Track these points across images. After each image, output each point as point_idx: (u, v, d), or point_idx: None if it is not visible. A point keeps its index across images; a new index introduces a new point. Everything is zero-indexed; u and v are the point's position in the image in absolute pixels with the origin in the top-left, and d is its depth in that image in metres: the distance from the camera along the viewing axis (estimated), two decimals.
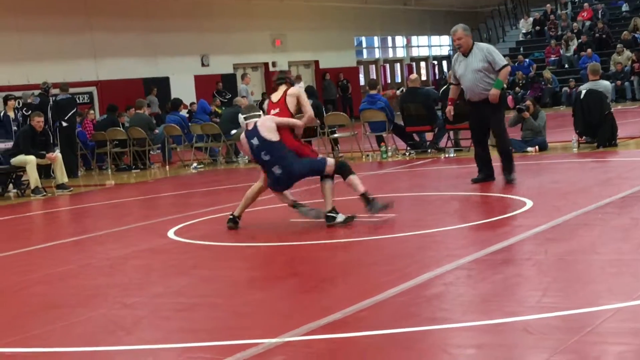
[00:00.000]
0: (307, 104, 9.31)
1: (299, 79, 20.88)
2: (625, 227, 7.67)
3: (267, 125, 8.93)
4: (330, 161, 8.98)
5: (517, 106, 14.53)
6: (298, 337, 5.00)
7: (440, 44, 40.95)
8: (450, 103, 11.13)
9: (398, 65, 38.66)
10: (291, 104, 9.20)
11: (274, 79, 9.66)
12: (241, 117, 9.25)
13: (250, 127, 9.04)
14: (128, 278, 7.30)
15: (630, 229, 7.61)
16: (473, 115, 10.97)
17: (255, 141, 8.94)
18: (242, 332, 5.24)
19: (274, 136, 8.87)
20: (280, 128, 8.98)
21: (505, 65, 10.71)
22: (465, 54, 10.72)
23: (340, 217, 8.80)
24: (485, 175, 10.93)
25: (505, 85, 11.13)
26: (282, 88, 9.38)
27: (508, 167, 10.83)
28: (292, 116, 9.18)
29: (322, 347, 4.90)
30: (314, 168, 9.00)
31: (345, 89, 32.62)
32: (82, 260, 8.26)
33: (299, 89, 9.45)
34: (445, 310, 5.47)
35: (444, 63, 40.05)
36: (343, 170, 9.00)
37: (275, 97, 9.35)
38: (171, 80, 26.96)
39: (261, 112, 9.25)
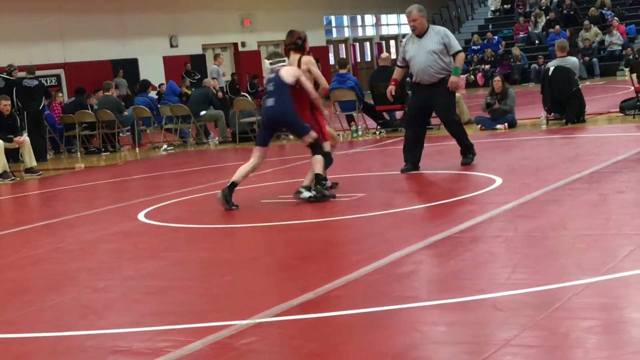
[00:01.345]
0: (320, 75, 9.39)
1: None
2: (594, 203, 7.74)
3: (290, 72, 9.04)
4: (314, 135, 9.01)
5: (487, 101, 14.64)
6: (270, 318, 5.01)
7: None
8: (393, 84, 10.81)
9: (368, 44, 38.64)
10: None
11: (286, 44, 9.64)
12: (267, 61, 9.33)
13: (272, 75, 9.11)
14: (99, 261, 7.27)
15: (599, 204, 7.68)
16: (417, 97, 10.61)
17: (270, 87, 9.10)
18: (214, 314, 5.24)
19: (290, 79, 8.98)
20: (299, 94, 9.05)
21: (460, 51, 10.50)
22: (420, 36, 10.46)
23: (305, 194, 8.88)
24: (412, 165, 10.54)
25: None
26: (295, 56, 9.39)
27: (464, 151, 10.62)
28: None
29: (294, 327, 4.92)
30: (298, 126, 9.05)
31: None
32: (52, 245, 8.21)
33: (310, 58, 9.44)
34: (416, 289, 5.50)
35: None
36: (316, 148, 9.07)
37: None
38: (140, 61, 26.78)
39: (286, 59, 9.26)
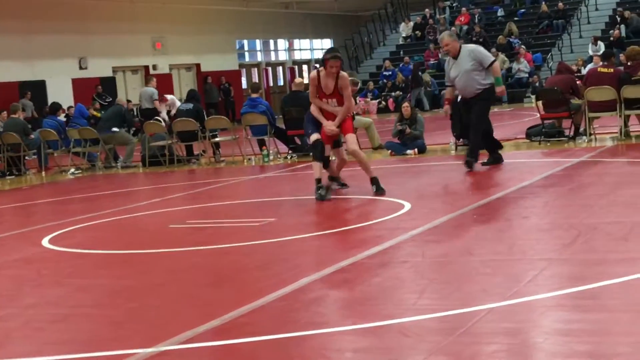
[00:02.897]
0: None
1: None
2: (500, 228, 7.86)
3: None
4: (313, 137, 10.37)
5: (398, 128, 14.85)
6: (175, 346, 4.92)
7: (322, 47, 41.22)
8: (446, 103, 12.15)
9: (280, 69, 38.76)
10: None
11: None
12: None
13: None
14: None
15: (504, 229, 7.80)
16: (465, 110, 11.90)
17: None
18: (118, 342, 5.12)
19: None
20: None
21: (494, 61, 11.71)
22: (455, 57, 11.58)
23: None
24: (494, 158, 12.09)
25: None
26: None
27: (472, 153, 11.77)
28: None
29: (200, 355, 4.84)
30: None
31: (227, 93, 32.49)
32: None
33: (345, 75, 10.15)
34: (324, 315, 5.47)
35: None
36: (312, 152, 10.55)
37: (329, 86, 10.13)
38: (48, 83, 26.31)
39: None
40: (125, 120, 17.97)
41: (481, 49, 12.03)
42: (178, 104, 19.71)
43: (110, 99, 25.26)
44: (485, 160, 12.16)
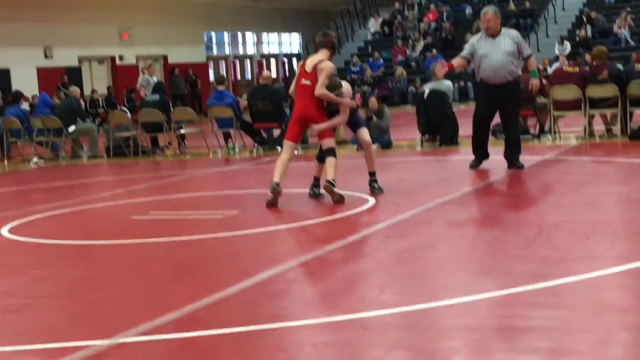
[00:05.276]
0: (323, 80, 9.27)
1: None
2: (463, 224, 7.85)
3: None
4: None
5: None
6: (132, 338, 4.86)
7: (291, 42, 41.14)
8: (449, 65, 11.33)
9: (248, 62, 38.63)
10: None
11: (317, 39, 9.53)
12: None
13: None
14: None
15: (467, 225, 7.80)
16: (486, 96, 11.20)
17: None
18: (74, 333, 5.04)
19: None
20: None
21: (531, 54, 11.29)
22: (493, 36, 11.09)
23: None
24: (480, 159, 11.49)
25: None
26: (320, 55, 9.36)
27: (516, 154, 11.29)
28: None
29: (158, 348, 4.78)
30: None
31: (194, 85, 32.31)
32: None
33: (326, 64, 9.27)
34: (285, 308, 5.43)
35: (294, 60, 40.27)
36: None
37: (310, 65, 9.26)
38: (12, 72, 25.99)
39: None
40: (78, 113, 17.78)
41: (522, 37, 11.54)
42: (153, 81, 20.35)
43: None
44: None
